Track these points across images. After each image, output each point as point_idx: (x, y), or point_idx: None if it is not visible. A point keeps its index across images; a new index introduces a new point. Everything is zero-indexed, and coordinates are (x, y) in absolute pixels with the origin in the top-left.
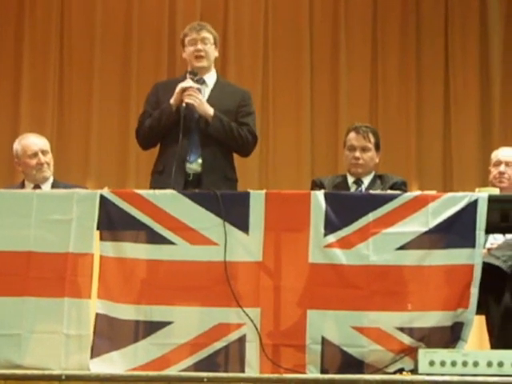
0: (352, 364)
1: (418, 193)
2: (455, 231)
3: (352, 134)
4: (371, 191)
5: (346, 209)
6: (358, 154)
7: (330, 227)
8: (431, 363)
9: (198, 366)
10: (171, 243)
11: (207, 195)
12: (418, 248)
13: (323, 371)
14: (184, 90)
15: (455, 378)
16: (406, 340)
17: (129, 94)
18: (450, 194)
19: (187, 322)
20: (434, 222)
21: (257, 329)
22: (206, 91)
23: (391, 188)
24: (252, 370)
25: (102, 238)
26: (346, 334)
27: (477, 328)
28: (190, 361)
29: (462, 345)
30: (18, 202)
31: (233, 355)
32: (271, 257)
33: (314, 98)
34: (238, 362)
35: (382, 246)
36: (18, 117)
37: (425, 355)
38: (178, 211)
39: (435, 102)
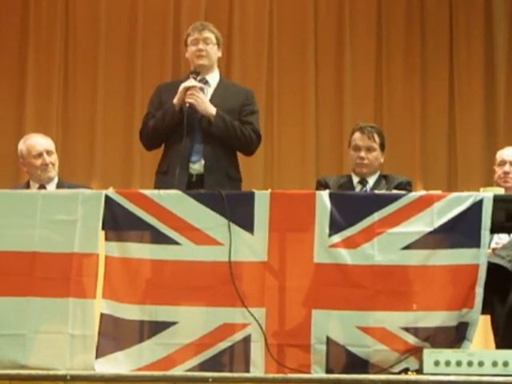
0: (357, 364)
1: (422, 193)
2: (460, 231)
3: (357, 134)
4: (376, 191)
5: (350, 209)
6: (363, 153)
7: (335, 227)
8: (436, 363)
9: (203, 366)
10: (176, 243)
11: (212, 195)
12: (422, 248)
13: (328, 371)
14: (187, 89)
15: (460, 378)
16: (411, 340)
17: (133, 94)
18: (455, 194)
19: (192, 322)
20: (438, 222)
21: (262, 329)
22: (209, 91)
23: (396, 188)
24: (257, 369)
25: (107, 238)
26: (351, 333)
27: (482, 328)
28: (195, 361)
29: (467, 345)
30: (23, 202)
31: (238, 355)
32: (276, 257)
33: (318, 97)
34: (243, 361)
35: (386, 245)
36: (23, 117)
37: (430, 355)
38: (182, 211)
39: (440, 101)
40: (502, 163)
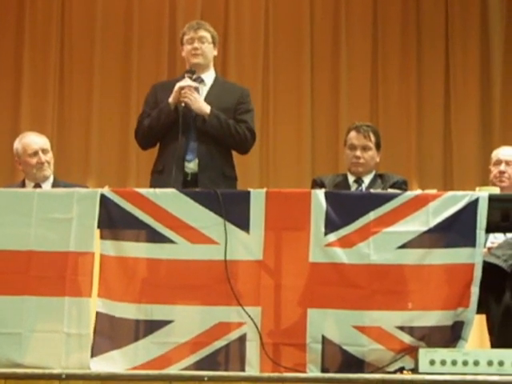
0: (352, 363)
1: (418, 192)
2: (456, 230)
3: (353, 133)
4: (372, 190)
5: (346, 208)
6: (358, 153)
7: (331, 226)
8: (432, 362)
9: (198, 365)
10: (172, 242)
11: (208, 194)
12: (418, 247)
13: (323, 370)
14: (182, 88)
15: (456, 378)
16: (407, 339)
17: (129, 93)
18: (450, 193)
19: (188, 320)
20: (434, 221)
21: (257, 328)
22: (204, 89)
23: (392, 187)
24: (252, 368)
25: (102, 237)
26: (347, 332)
27: (477, 327)
28: (190, 360)
29: (462, 344)
30: (19, 200)
31: (233, 354)
32: (272, 256)
33: (314, 97)
34: (239, 360)
35: (382, 244)
36: (19, 115)
37: (425, 354)
38: (178, 210)
39: (436, 101)
40: (498, 163)
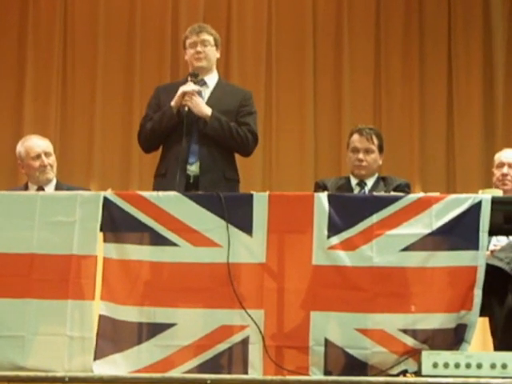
0: (355, 366)
1: (421, 194)
2: (458, 233)
3: (355, 136)
4: (375, 193)
5: (349, 210)
6: (361, 155)
7: (334, 229)
8: (435, 365)
9: (201, 368)
10: (174, 245)
11: (210, 197)
12: (421, 250)
13: (326, 373)
14: (185, 94)
15: (459, 380)
16: (410, 342)
17: (132, 96)
18: (453, 196)
19: (190, 323)
20: (437, 224)
21: (260, 331)
22: (207, 92)
23: (395, 190)
24: (255, 371)
25: (105, 240)
26: (350, 335)
27: (480, 330)
28: (193, 363)
29: (465, 347)
30: (22, 203)
31: (236, 357)
32: (274, 258)
33: (317, 100)
34: (242, 363)
35: (385, 247)
36: (21, 118)
37: (428, 357)
38: (181, 213)
39: (438, 103)
40: (501, 165)
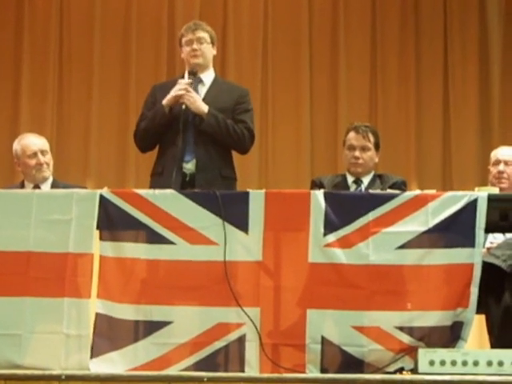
0: (352, 363)
1: (417, 192)
2: (455, 230)
3: (351, 134)
4: (371, 191)
5: (345, 208)
6: (357, 153)
7: (330, 227)
8: (431, 363)
9: (198, 366)
10: (171, 243)
11: (207, 195)
12: (417, 247)
13: (323, 371)
14: (179, 96)
15: (455, 378)
16: (406, 339)
17: (128, 94)
18: (449, 194)
19: (187, 321)
20: (433, 222)
21: (256, 328)
22: (203, 90)
23: (391, 187)
24: (252, 369)
25: (101, 238)
26: (346, 333)
27: (477, 327)
28: (190, 360)
29: (461, 344)
30: (18, 202)
31: (233, 355)
32: (271, 256)
33: (313, 97)
34: (238, 361)
35: (381, 245)
36: (18, 117)
37: (425, 355)
38: (177, 211)
39: (434, 101)
40: (497, 163)
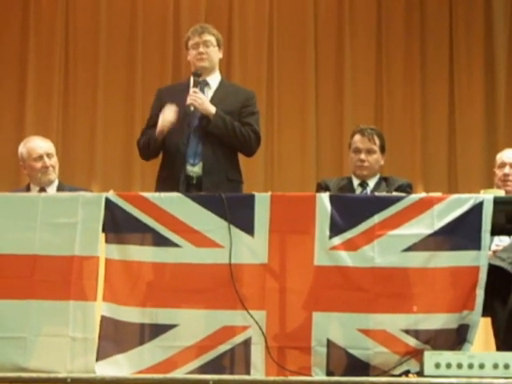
0: (358, 366)
1: (423, 195)
2: (461, 233)
3: (357, 136)
4: (376, 193)
5: (351, 211)
6: (363, 156)
7: (336, 229)
8: (437, 365)
9: (203, 369)
10: (176, 246)
11: (212, 198)
12: (423, 250)
13: (329, 373)
14: (168, 123)
15: (461, 381)
16: (412, 342)
17: (134, 97)
18: (455, 196)
19: (193, 324)
20: (439, 224)
21: (262, 331)
22: (210, 93)
23: (396, 190)
24: (257, 372)
25: (107, 241)
26: (352, 336)
27: (482, 330)
28: (195, 363)
29: (467, 347)
30: (24, 205)
31: (238, 358)
32: (276, 259)
33: (318, 100)
34: (244, 364)
35: (387, 248)
36: (23, 120)
37: (431, 357)
38: (183, 214)
39: (440, 103)
40: (502, 165)
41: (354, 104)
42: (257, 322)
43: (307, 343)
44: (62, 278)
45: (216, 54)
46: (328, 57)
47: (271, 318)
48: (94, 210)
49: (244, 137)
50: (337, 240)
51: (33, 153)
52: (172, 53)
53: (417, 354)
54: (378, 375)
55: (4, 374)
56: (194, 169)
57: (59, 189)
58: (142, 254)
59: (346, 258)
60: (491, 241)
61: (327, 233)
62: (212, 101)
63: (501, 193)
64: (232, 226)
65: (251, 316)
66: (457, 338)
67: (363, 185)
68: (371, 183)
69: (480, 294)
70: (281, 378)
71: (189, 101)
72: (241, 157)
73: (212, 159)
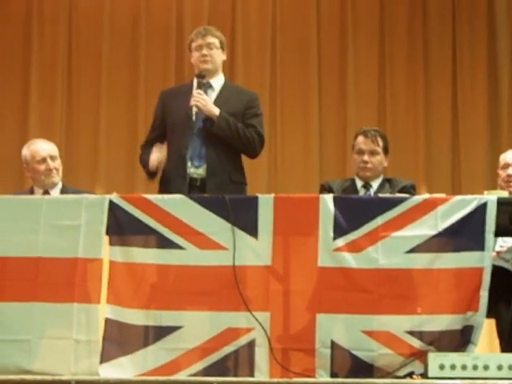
0: (362, 368)
1: (426, 196)
2: (464, 234)
3: (360, 138)
4: (380, 195)
5: (354, 212)
6: (366, 157)
7: (339, 231)
8: (441, 367)
9: (207, 371)
10: (180, 248)
11: (216, 199)
12: (427, 251)
13: (333, 375)
14: (159, 161)
15: (465, 382)
16: (416, 344)
17: (137, 99)
18: (458, 197)
19: (197, 326)
20: (443, 225)
21: (266, 333)
22: (213, 95)
23: (400, 191)
24: (262, 374)
25: (111, 243)
26: (356, 337)
27: (487, 331)
28: (199, 365)
29: (472, 348)
30: (27, 207)
31: (242, 360)
32: (280, 261)
33: (322, 102)
34: (248, 366)
35: (391, 249)
36: (27, 122)
37: (435, 359)
38: (186, 216)
39: (443, 105)
40: (506, 166)
41: (357, 106)
42: (261, 324)
43: (311, 345)
44: (66, 280)
45: (219, 57)
46: (331, 59)
47: (275, 320)
48: (98, 212)
49: (248, 138)
50: (340, 241)
51: (36, 155)
52: (175, 55)
53: (421, 356)
54: (382, 377)
55: (8, 377)
56: (198, 171)
57: (63, 191)
58: (145, 256)
59: (350, 260)
60: (495, 242)
61: (331, 234)
62: (215, 103)
63: (504, 194)
64: (235, 228)
65: (255, 318)
66: (461, 339)
67: (367, 186)
68: (375, 185)
69: (484, 295)
70: (285, 379)
71: (192, 102)
72: (244, 158)
73: (216, 161)
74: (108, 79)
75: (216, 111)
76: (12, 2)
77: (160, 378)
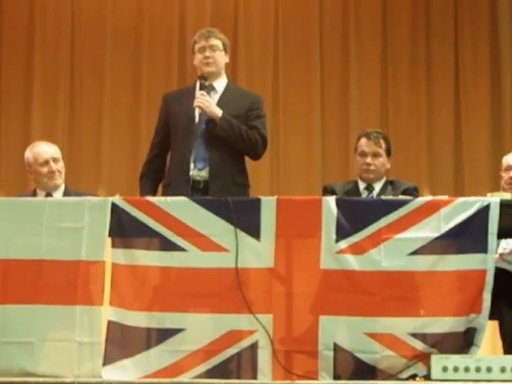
0: (364, 370)
1: (429, 198)
2: (467, 236)
3: (363, 140)
4: (383, 197)
5: (357, 214)
6: (369, 159)
7: (342, 233)
8: (444, 369)
9: (210, 373)
10: (183, 250)
11: (218, 202)
12: (430, 253)
13: (336, 377)
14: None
15: None
16: (419, 346)
17: (139, 101)
18: (461, 199)
19: (199, 328)
20: (445, 227)
21: (269, 335)
22: (216, 97)
23: (403, 193)
24: (264, 376)
25: (113, 246)
26: (359, 340)
27: (489, 333)
28: (202, 368)
29: (475, 350)
30: (30, 210)
31: (245, 362)
32: (283, 263)
33: (324, 104)
34: (251, 368)
35: (393, 251)
36: (30, 125)
37: (438, 361)
38: (189, 218)
39: (446, 106)
40: (508, 168)
41: (360, 108)
42: (263, 326)
43: (314, 347)
44: (69, 282)
45: (222, 59)
46: (333, 60)
47: (278, 322)
48: (100, 214)
49: (251, 140)
50: (343, 244)
51: (39, 158)
52: (178, 57)
53: (424, 358)
54: (385, 379)
55: (11, 379)
56: (201, 173)
57: (65, 194)
58: (148, 258)
59: (353, 262)
60: (498, 244)
61: (333, 236)
62: (218, 105)
63: (507, 196)
64: (238, 230)
65: (258, 320)
66: (464, 341)
67: (369, 188)
68: (377, 187)
69: (487, 297)
70: (288, 382)
71: (196, 103)
72: (247, 161)
73: (219, 163)
74: (110, 81)
75: (219, 112)
76: (15, 4)
77: (163, 381)
